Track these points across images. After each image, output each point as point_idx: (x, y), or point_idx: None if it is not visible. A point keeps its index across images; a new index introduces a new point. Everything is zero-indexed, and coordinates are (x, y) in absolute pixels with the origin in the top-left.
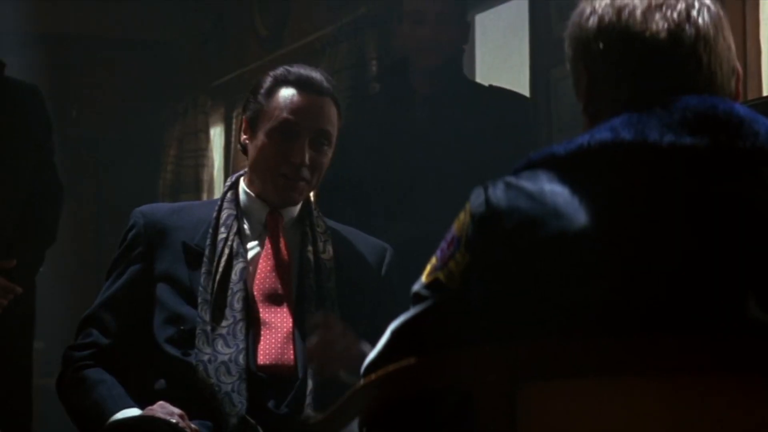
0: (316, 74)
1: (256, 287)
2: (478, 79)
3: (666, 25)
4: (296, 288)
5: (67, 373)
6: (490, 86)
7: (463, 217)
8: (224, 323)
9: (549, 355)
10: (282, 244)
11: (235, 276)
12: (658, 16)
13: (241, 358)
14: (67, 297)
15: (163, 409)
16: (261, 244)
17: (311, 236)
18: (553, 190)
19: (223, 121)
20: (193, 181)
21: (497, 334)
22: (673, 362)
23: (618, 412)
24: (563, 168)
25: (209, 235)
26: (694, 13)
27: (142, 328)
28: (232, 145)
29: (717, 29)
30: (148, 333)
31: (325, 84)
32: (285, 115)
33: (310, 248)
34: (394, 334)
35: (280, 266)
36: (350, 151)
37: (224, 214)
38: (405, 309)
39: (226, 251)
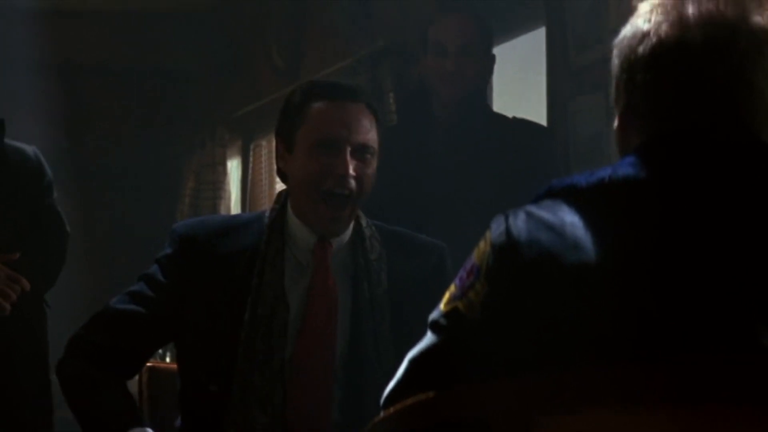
0: (344, 83)
1: (302, 332)
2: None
3: (715, 69)
4: (350, 329)
5: (74, 363)
6: (514, 118)
7: (483, 246)
8: (261, 383)
9: (568, 388)
10: (330, 281)
11: (278, 328)
12: (709, 57)
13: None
14: None
15: None
16: (308, 274)
17: (364, 267)
18: (573, 222)
19: (240, 153)
20: (210, 214)
21: (516, 366)
22: (694, 391)
23: None
24: (583, 200)
25: (255, 274)
26: (747, 63)
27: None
28: (249, 178)
29: (766, 73)
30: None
31: (357, 90)
32: (322, 129)
33: (365, 284)
34: (412, 363)
35: (326, 305)
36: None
37: (271, 250)
38: None
39: (270, 297)
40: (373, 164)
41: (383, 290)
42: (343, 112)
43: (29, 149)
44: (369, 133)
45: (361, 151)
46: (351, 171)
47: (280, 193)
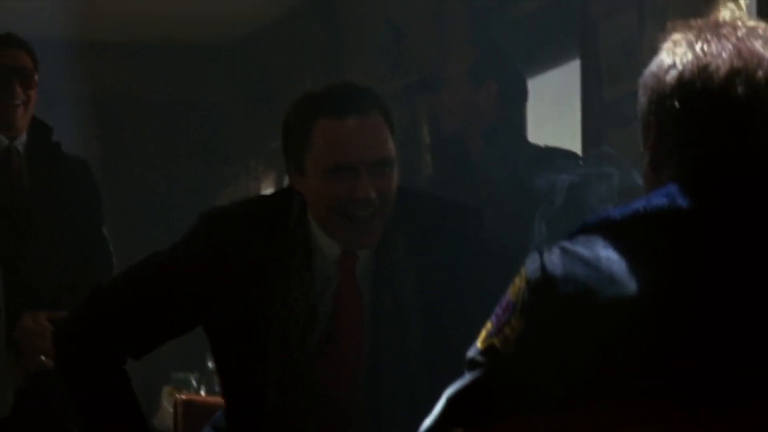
0: (348, 89)
1: (331, 350)
2: None
3: (744, 92)
4: (370, 342)
5: (82, 353)
6: (547, 146)
7: (518, 282)
8: (294, 403)
9: (605, 422)
10: (355, 294)
11: (308, 348)
12: (738, 80)
13: None
14: None
15: None
16: (332, 286)
17: (387, 270)
18: (609, 256)
19: (274, 186)
20: None
21: (552, 401)
22: (733, 427)
23: None
24: (619, 233)
25: (280, 287)
26: None
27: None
28: None
29: None
30: None
31: (363, 98)
32: (333, 154)
33: (387, 290)
34: (449, 401)
35: (352, 321)
36: None
37: (295, 264)
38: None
39: (302, 317)
40: (394, 175)
41: (411, 293)
42: (352, 130)
43: (82, 160)
44: (384, 147)
45: (379, 167)
46: (372, 194)
47: (290, 191)
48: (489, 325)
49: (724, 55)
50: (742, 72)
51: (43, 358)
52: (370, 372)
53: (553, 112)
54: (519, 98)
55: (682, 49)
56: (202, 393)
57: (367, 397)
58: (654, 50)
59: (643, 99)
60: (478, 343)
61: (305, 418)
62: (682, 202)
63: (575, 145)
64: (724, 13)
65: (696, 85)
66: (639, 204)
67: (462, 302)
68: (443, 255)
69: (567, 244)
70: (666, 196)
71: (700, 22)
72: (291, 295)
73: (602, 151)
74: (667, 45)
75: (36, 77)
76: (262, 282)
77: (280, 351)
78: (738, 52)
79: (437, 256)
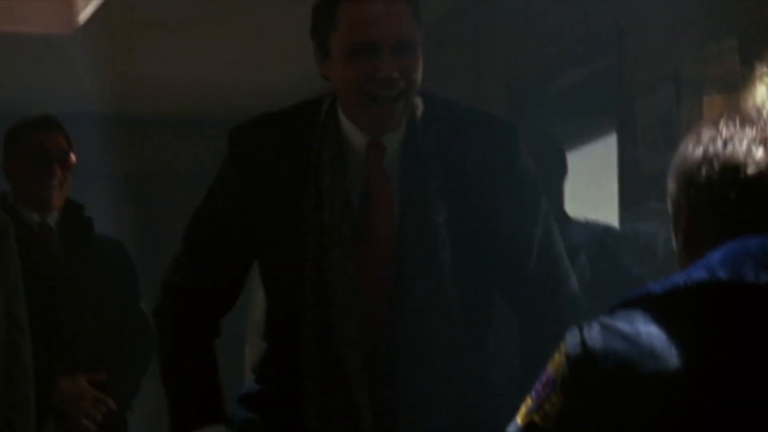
0: None
1: (361, 243)
2: None
3: None
4: (397, 234)
5: (186, 330)
6: (587, 221)
7: (558, 358)
8: (333, 300)
9: None
10: (384, 185)
11: (347, 233)
12: (762, 149)
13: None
14: None
15: None
16: (361, 177)
17: (415, 165)
18: (649, 331)
19: None
20: None
21: None
22: None
23: None
24: (659, 308)
25: (312, 179)
26: None
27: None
28: None
29: None
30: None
31: None
32: (355, 33)
33: (413, 186)
34: None
35: (382, 211)
36: None
37: (330, 154)
38: None
39: (337, 206)
40: (419, 61)
41: (435, 186)
42: (375, 10)
43: (117, 242)
44: (408, 29)
45: (402, 48)
46: (395, 73)
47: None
48: (529, 401)
49: (750, 136)
50: (766, 141)
51: (84, 421)
52: (396, 264)
53: (591, 185)
54: (558, 174)
55: (710, 133)
56: None
57: (394, 290)
58: (694, 120)
59: (672, 184)
60: (519, 419)
61: (345, 317)
62: (722, 274)
63: (612, 217)
64: (761, 89)
65: (719, 157)
66: (679, 278)
67: (484, 208)
68: (471, 162)
69: (607, 320)
70: (705, 269)
71: (728, 109)
72: (326, 185)
73: (648, 206)
74: (695, 129)
75: (72, 158)
76: (298, 177)
77: (317, 245)
78: (764, 138)
79: (464, 161)
